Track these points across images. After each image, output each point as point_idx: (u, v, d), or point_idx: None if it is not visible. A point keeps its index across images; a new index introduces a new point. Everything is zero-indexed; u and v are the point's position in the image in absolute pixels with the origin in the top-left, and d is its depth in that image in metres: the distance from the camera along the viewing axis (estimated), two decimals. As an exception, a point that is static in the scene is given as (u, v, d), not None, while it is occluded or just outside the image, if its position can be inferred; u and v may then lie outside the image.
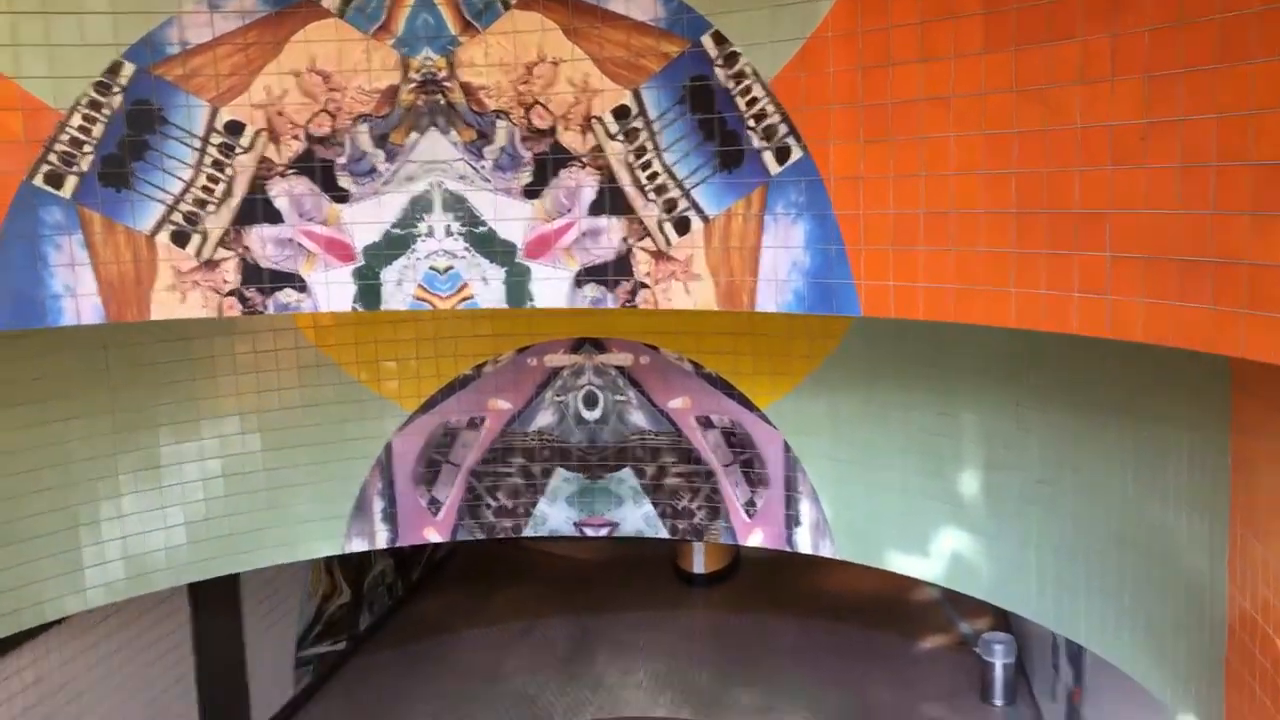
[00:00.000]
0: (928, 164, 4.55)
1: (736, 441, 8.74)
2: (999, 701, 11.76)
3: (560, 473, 9.10)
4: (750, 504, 8.80)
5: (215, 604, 10.57)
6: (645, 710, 11.88)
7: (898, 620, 14.03)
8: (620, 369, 8.90)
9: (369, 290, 5.74)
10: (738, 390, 8.67)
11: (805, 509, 8.55)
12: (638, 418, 8.95)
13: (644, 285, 5.53)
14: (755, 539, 8.86)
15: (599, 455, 9.06)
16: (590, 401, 8.98)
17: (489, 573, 16.26)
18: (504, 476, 9.11)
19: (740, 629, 13.97)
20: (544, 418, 9.05)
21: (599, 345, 8.89)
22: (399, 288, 5.74)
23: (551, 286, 5.65)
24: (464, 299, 5.73)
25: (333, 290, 5.74)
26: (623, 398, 8.95)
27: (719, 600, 14.94)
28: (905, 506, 7.93)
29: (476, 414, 9.01)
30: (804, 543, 8.64)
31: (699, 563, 15.54)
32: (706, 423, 8.83)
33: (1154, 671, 5.93)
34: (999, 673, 11.72)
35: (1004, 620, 13.62)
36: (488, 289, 5.70)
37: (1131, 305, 3.90)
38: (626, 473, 9.06)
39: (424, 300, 5.76)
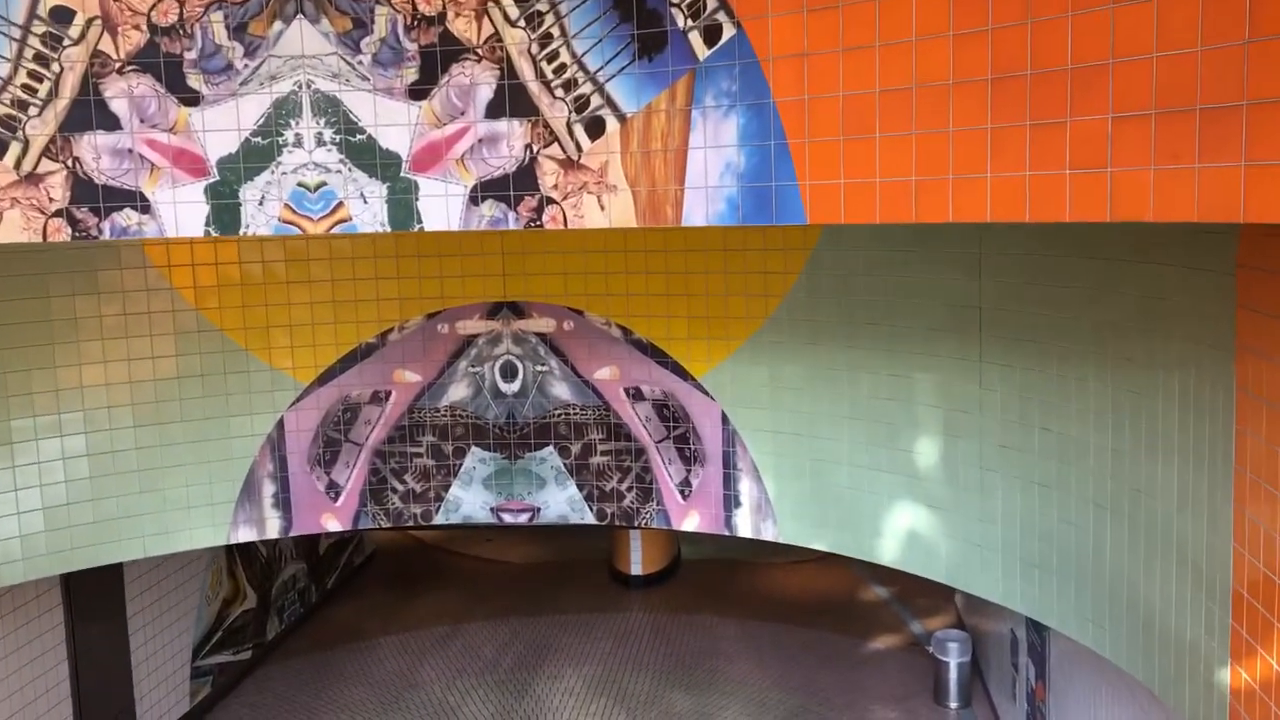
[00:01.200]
0: (884, 30, 3.76)
1: (670, 414, 7.92)
2: (954, 704, 11.03)
3: (475, 453, 8.21)
4: (685, 484, 7.97)
5: (95, 604, 9.50)
6: (575, 718, 10.97)
7: (846, 621, 13.28)
8: (542, 336, 8.04)
9: (225, 212, 4.83)
10: (670, 357, 7.84)
11: (745, 488, 7.73)
12: (561, 390, 8.10)
13: (551, 201, 4.68)
14: (691, 523, 8.02)
15: (518, 433, 8.18)
16: (508, 373, 8.10)
17: (411, 577, 15.25)
18: (412, 457, 8.19)
19: (680, 631, 13.12)
20: (457, 391, 8.15)
21: (518, 310, 8.02)
22: (261, 208, 4.84)
23: (442, 205, 4.79)
24: (339, 222, 4.84)
25: (181, 211, 4.82)
26: (544, 368, 8.09)
27: (658, 602, 14.08)
28: (855, 481, 7.15)
29: (381, 387, 8.09)
30: (744, 525, 7.82)
31: (636, 563, 14.67)
32: (636, 394, 7.99)
33: (1141, 657, 5.17)
34: (954, 673, 10.98)
35: (958, 620, 12.91)
36: (367, 209, 4.82)
37: (1139, 177, 3.13)
38: (549, 452, 8.19)
39: (291, 224, 4.86)
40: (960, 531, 6.55)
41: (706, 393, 7.75)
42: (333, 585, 14.56)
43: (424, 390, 8.10)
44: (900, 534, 6.93)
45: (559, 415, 8.09)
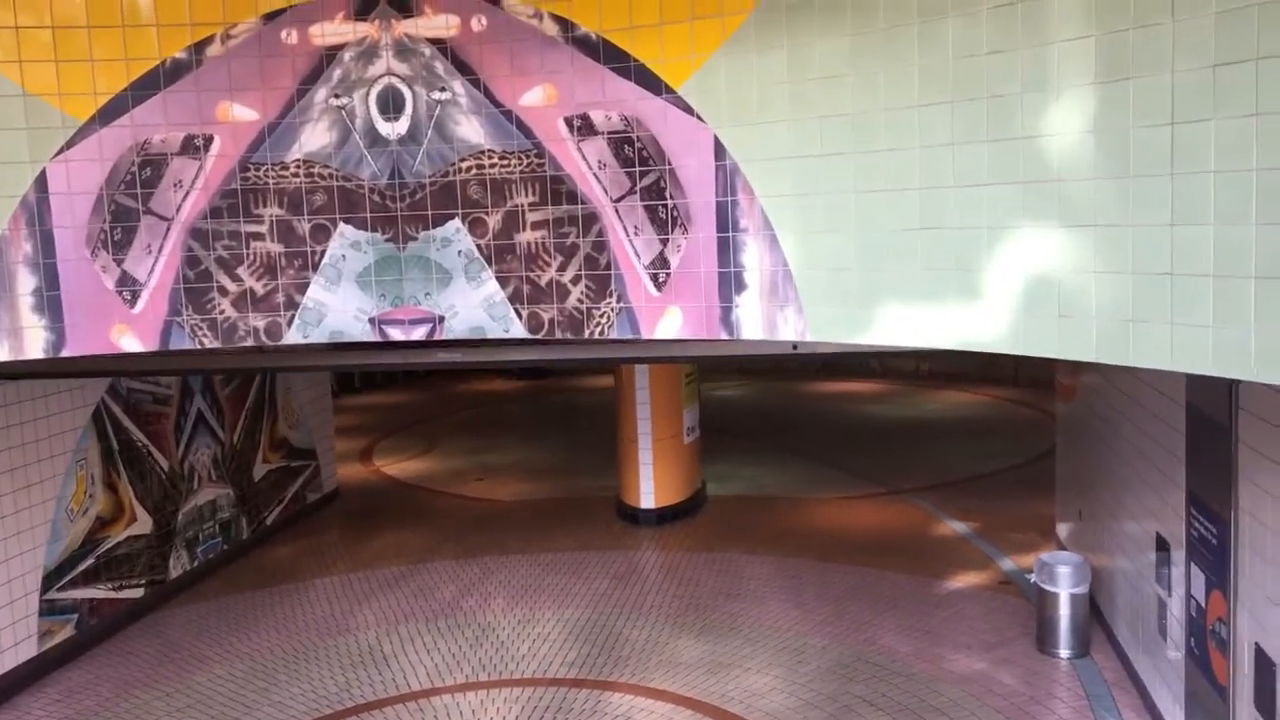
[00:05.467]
0: None
1: (635, 154, 5.04)
2: (1065, 651, 7.98)
3: (344, 233, 5.39)
4: (660, 264, 5.08)
5: None
6: (541, 669, 8.10)
7: (914, 559, 10.28)
8: (439, 45, 5.20)
9: None
10: (634, 60, 4.97)
11: (753, 257, 4.83)
12: (470, 129, 5.25)
13: None
14: (670, 325, 5.13)
15: (408, 200, 5.34)
16: (390, 105, 5.29)
17: (375, 515, 12.50)
18: (249, 241, 5.39)
19: (696, 570, 10.21)
20: (313, 137, 5.35)
21: (402, 4, 5.19)
22: None
23: None
24: None
25: None
26: (444, 95, 5.25)
27: (672, 540, 11.17)
28: (935, 211, 4.21)
29: (197, 129, 5.31)
30: (751, 321, 4.91)
31: (648, 494, 11.77)
32: (585, 127, 5.12)
33: None
34: (1065, 607, 7.94)
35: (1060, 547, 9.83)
36: None
37: None
38: (454, 228, 5.34)
39: None
40: (1127, 261, 3.59)
41: (691, 111, 4.86)
42: (273, 522, 11.82)
43: (263, 135, 5.30)
44: (1015, 289, 3.99)
45: (469, 169, 5.25)
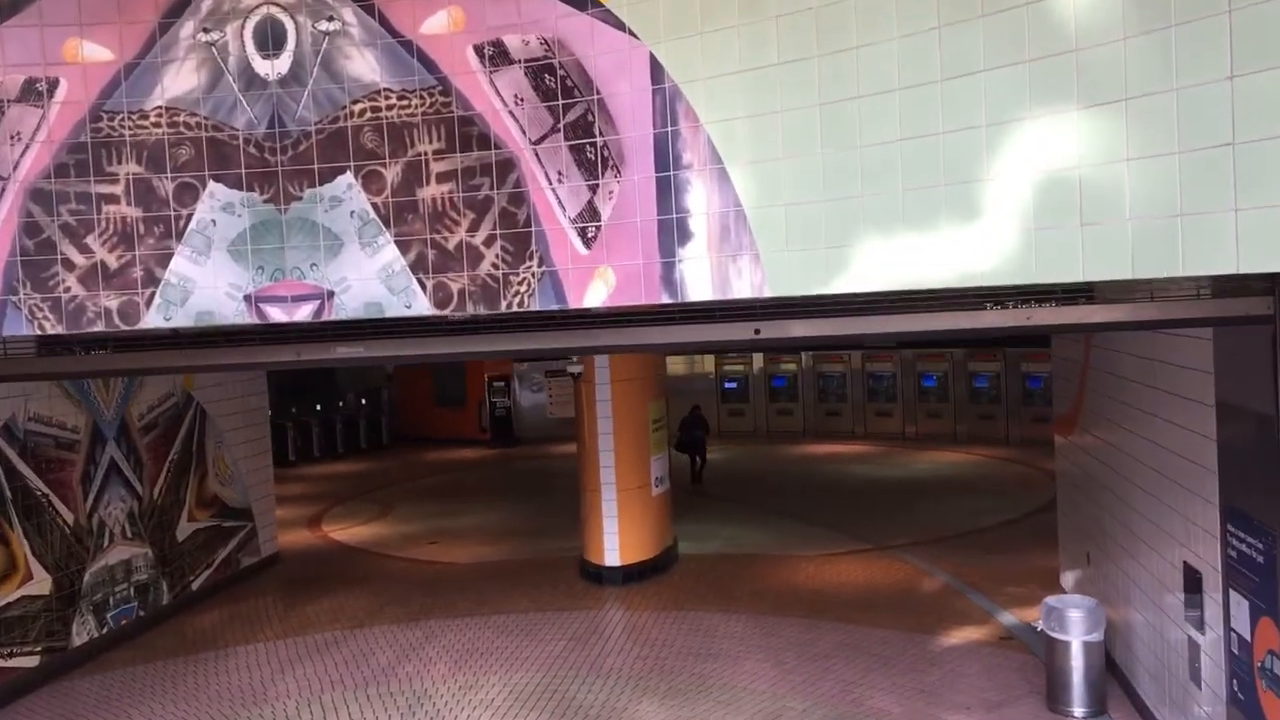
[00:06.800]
0: None
1: (557, 84, 4.20)
2: (1080, 709, 6.96)
3: (215, 193, 4.51)
4: (589, 215, 4.22)
5: None
6: (481, 737, 7.05)
7: (903, 614, 9.26)
8: (326, -32, 4.40)
9: None
10: (555, -29, 4.17)
11: (699, 199, 3.96)
12: (364, 65, 4.42)
13: None
14: (599, 290, 4.25)
15: (291, 152, 4.49)
16: (270, 38, 4.48)
17: (317, 581, 11.40)
18: (101, 204, 4.52)
19: (664, 629, 9.16)
20: (178, 79, 4.52)
21: (283, -79, 4.40)
22: None
23: None
24: None
25: None
26: (332, 25, 4.43)
27: (639, 600, 10.12)
28: (920, 118, 3.37)
29: (39, 71, 4.48)
30: (697, 277, 4.03)
31: (612, 550, 10.74)
32: (498, 55, 4.30)
33: None
34: (1077, 657, 6.94)
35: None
36: None
37: None
38: (345, 184, 4.47)
39: None
40: (1172, 136, 2.74)
41: (623, 26, 4.04)
42: (200, 586, 10.72)
43: (119, 78, 4.46)
44: (1024, 199, 3.13)
45: (362, 113, 4.41)
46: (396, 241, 4.42)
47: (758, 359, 21.32)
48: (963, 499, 14.06)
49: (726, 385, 21.38)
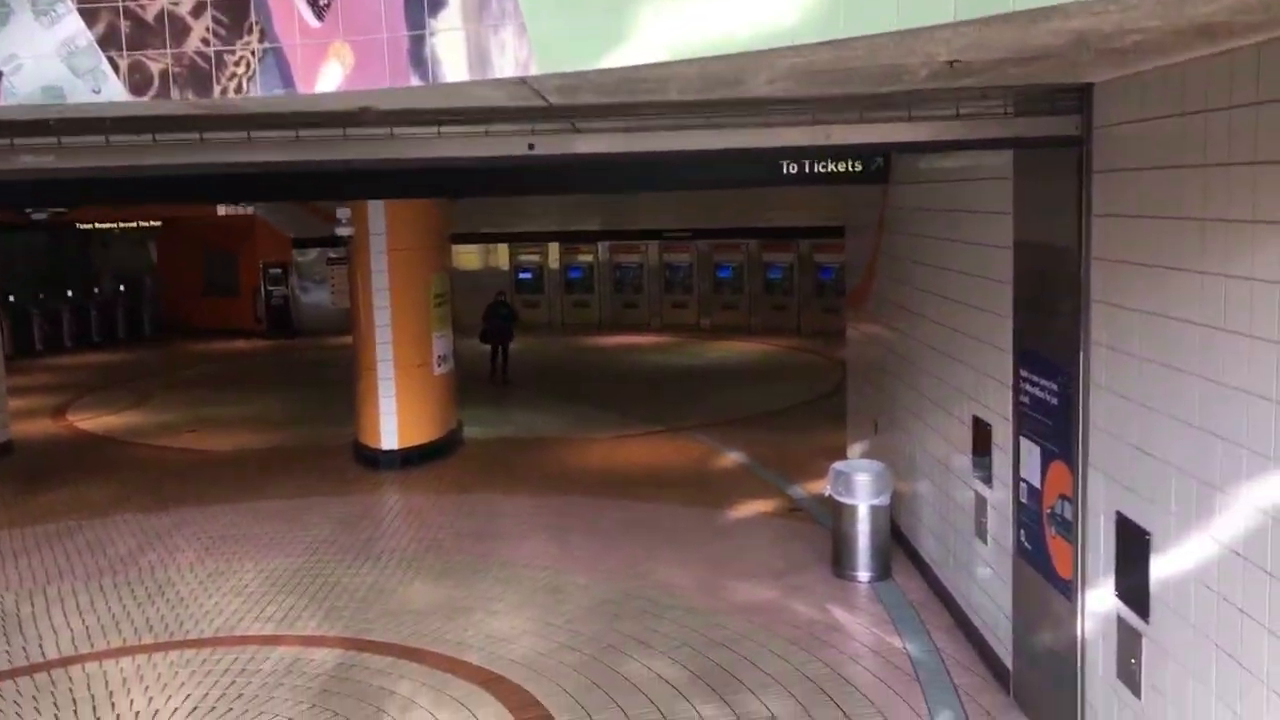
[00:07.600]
0: None
1: None
2: (864, 573, 6.83)
3: None
4: (318, -26, 3.46)
5: None
6: (227, 628, 6.32)
7: (696, 491, 8.99)
8: None
9: None
10: None
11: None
12: None
13: None
14: (333, 73, 3.51)
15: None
16: None
17: (59, 469, 10.24)
18: None
19: (442, 512, 8.59)
20: None
21: None
22: None
23: None
24: None
25: None
26: None
27: (417, 483, 9.50)
28: None
29: None
30: (452, 56, 3.36)
31: (389, 433, 10.02)
32: None
33: None
34: (864, 522, 6.79)
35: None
36: None
37: None
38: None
39: None
40: None
41: None
42: (-91, 477, 9.42)
43: None
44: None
45: None
46: (80, 10, 3.54)
47: (553, 250, 20.70)
48: (756, 385, 13.99)
49: (521, 275, 20.68)
